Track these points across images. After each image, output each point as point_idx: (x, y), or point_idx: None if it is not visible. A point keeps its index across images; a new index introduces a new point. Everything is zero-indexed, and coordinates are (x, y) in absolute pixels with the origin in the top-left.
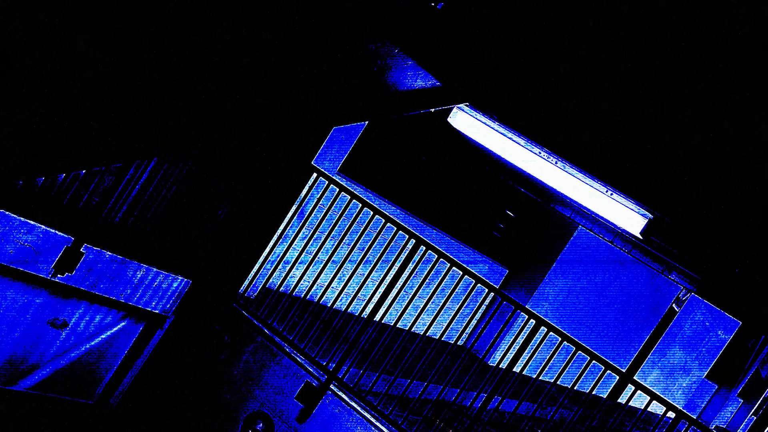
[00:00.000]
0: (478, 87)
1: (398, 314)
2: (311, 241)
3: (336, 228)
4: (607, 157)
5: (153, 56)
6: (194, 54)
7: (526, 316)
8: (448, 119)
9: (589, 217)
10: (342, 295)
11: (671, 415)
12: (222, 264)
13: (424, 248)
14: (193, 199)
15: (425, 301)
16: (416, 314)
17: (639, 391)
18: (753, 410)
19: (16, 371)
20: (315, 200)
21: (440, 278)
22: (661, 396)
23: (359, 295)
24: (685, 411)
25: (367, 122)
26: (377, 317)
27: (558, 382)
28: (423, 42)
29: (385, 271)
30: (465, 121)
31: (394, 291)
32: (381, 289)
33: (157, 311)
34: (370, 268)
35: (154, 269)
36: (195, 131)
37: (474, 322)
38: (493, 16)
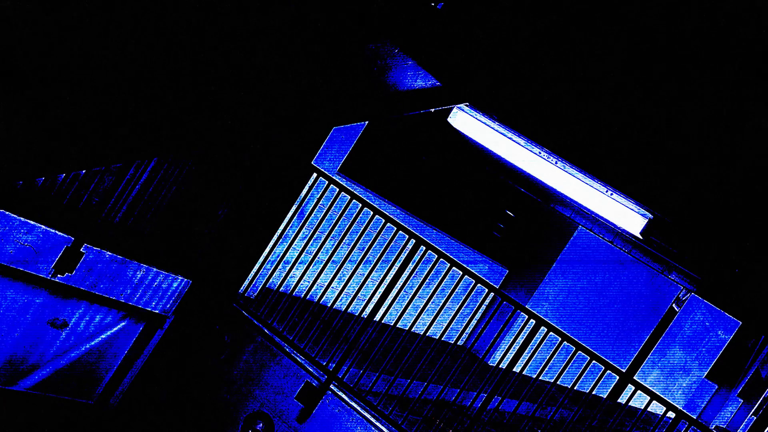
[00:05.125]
0: (478, 87)
1: (398, 314)
2: (311, 241)
3: (336, 228)
4: (607, 157)
5: (153, 56)
6: (194, 54)
7: (526, 316)
8: (448, 119)
9: (589, 217)
10: (342, 295)
11: (671, 415)
12: (222, 264)
13: (424, 248)
14: (193, 199)
15: (425, 301)
16: (416, 314)
17: (639, 391)
18: (753, 410)
19: (16, 371)
20: (315, 200)
21: (440, 278)
22: (661, 396)
23: (359, 295)
24: (685, 411)
25: (367, 122)
26: (377, 317)
27: (558, 382)
28: (423, 42)
29: (385, 271)
30: (465, 121)
31: (394, 291)
32: (381, 289)
33: (157, 311)
34: (370, 268)
35: (154, 269)
36: (195, 131)
37: (474, 322)
38: (493, 16)
